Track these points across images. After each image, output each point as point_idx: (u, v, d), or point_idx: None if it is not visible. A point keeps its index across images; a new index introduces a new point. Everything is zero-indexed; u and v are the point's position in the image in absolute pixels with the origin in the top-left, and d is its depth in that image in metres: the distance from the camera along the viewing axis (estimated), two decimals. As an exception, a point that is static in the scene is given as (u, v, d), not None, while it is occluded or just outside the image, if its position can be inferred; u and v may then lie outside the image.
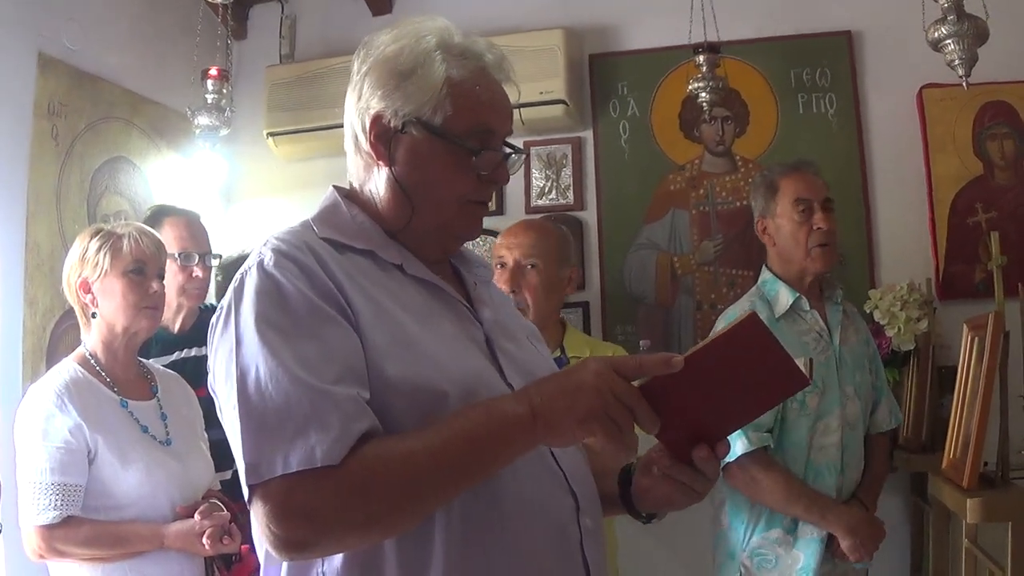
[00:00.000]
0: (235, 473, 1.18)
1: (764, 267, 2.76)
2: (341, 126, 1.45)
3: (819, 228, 2.61)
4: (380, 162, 1.38)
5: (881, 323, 3.25)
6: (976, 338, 2.58)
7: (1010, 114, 3.50)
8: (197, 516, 2.21)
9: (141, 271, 2.32)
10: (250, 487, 1.14)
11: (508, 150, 1.42)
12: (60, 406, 2.16)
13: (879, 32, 3.63)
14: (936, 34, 2.75)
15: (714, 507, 2.69)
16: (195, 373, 2.55)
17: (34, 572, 2.40)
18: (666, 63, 3.78)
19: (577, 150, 3.88)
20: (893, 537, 2.77)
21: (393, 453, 1.15)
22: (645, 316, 3.74)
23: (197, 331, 2.91)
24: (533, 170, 3.89)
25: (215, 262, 3.04)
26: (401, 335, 1.26)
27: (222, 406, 1.23)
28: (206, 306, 3.04)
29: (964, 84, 2.79)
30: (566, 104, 3.64)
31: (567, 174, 3.87)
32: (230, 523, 2.26)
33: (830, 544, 2.52)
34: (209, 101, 3.48)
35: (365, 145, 1.38)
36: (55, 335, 3.01)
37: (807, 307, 2.64)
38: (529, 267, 2.77)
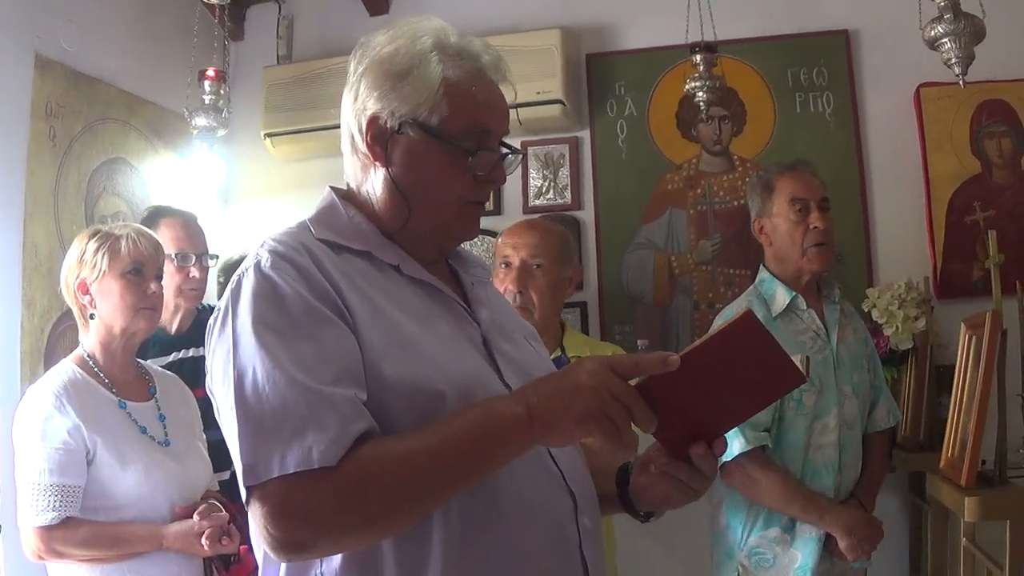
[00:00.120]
0: (233, 473, 1.18)
1: (761, 267, 2.76)
2: (338, 127, 1.45)
3: (815, 227, 2.61)
4: (377, 163, 1.38)
5: (879, 322, 3.25)
6: (974, 337, 2.58)
7: (1007, 112, 3.50)
8: (196, 517, 2.22)
9: (139, 272, 2.32)
10: (247, 488, 1.14)
11: (505, 150, 1.42)
12: (59, 407, 2.16)
13: (876, 31, 3.63)
14: (933, 33, 2.75)
15: (712, 506, 2.69)
16: (193, 374, 2.56)
17: (33, 573, 2.40)
18: (663, 63, 3.78)
19: (574, 150, 3.88)
20: (891, 536, 2.77)
21: (390, 454, 1.15)
22: (643, 316, 3.74)
23: (194, 332, 2.91)
24: (530, 170, 3.89)
25: (212, 262, 3.04)
26: (398, 336, 1.26)
27: (219, 407, 1.24)
28: (204, 307, 3.04)
29: (961, 83, 2.79)
30: (563, 104, 3.64)
31: (564, 174, 3.87)
32: (229, 524, 2.26)
33: (828, 543, 2.51)
34: (206, 102, 3.48)
35: (362, 146, 1.39)
36: (53, 336, 3.01)
37: (804, 306, 2.64)
38: (535, 267, 2.76)
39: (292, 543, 1.13)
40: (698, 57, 3.40)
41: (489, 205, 3.10)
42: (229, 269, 3.14)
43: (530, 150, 3.86)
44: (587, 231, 3.82)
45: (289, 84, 3.90)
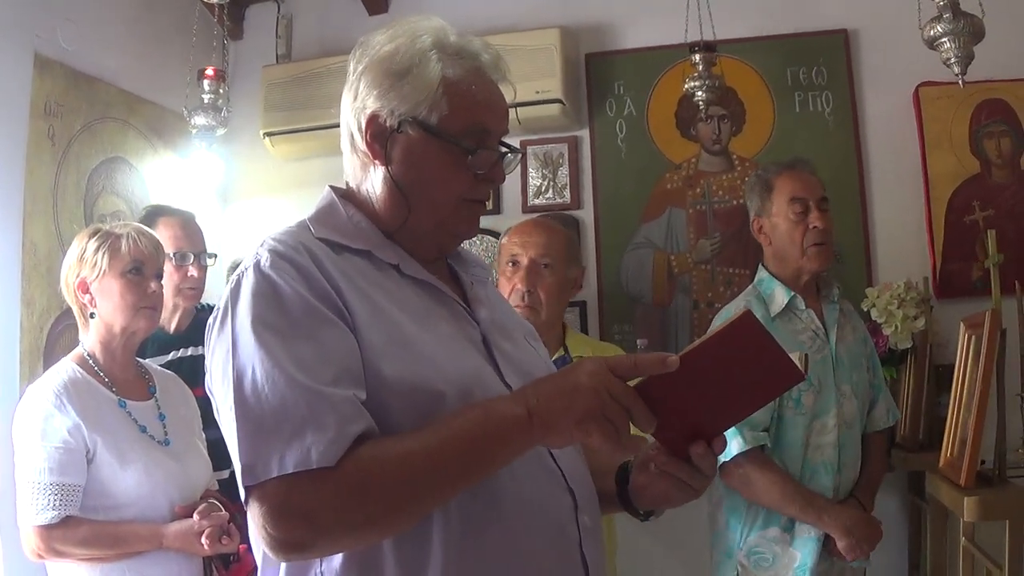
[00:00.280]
0: (233, 472, 1.18)
1: (760, 266, 2.76)
2: (338, 126, 1.45)
3: (815, 227, 2.61)
4: (376, 162, 1.38)
5: (878, 321, 3.25)
6: (973, 336, 2.58)
7: (1007, 112, 3.50)
8: (196, 516, 2.22)
9: (139, 271, 2.32)
10: (246, 488, 1.14)
11: (504, 149, 1.42)
12: (59, 406, 2.16)
13: (875, 30, 3.63)
14: (932, 32, 2.75)
15: (711, 506, 2.69)
16: (191, 373, 2.56)
17: (33, 572, 2.40)
18: (662, 62, 3.78)
19: (574, 149, 3.87)
20: (890, 535, 2.77)
21: (390, 454, 1.15)
22: (642, 315, 3.74)
23: (193, 331, 2.92)
24: (530, 169, 3.89)
25: (211, 261, 3.04)
26: (398, 335, 1.26)
27: (219, 407, 1.24)
28: (202, 306, 3.05)
29: (960, 82, 2.78)
30: (562, 103, 3.63)
31: (564, 173, 3.87)
32: (228, 523, 2.26)
33: (827, 543, 2.51)
34: (205, 101, 3.47)
35: (361, 145, 1.39)
36: (52, 335, 3.01)
37: (803, 306, 2.64)
38: (543, 266, 2.76)
39: (291, 543, 1.13)
40: (697, 56, 3.40)
41: (488, 204, 3.10)
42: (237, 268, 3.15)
43: (529, 149, 3.86)
44: (586, 230, 3.82)
45: (288, 83, 3.90)
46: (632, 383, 1.18)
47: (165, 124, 3.74)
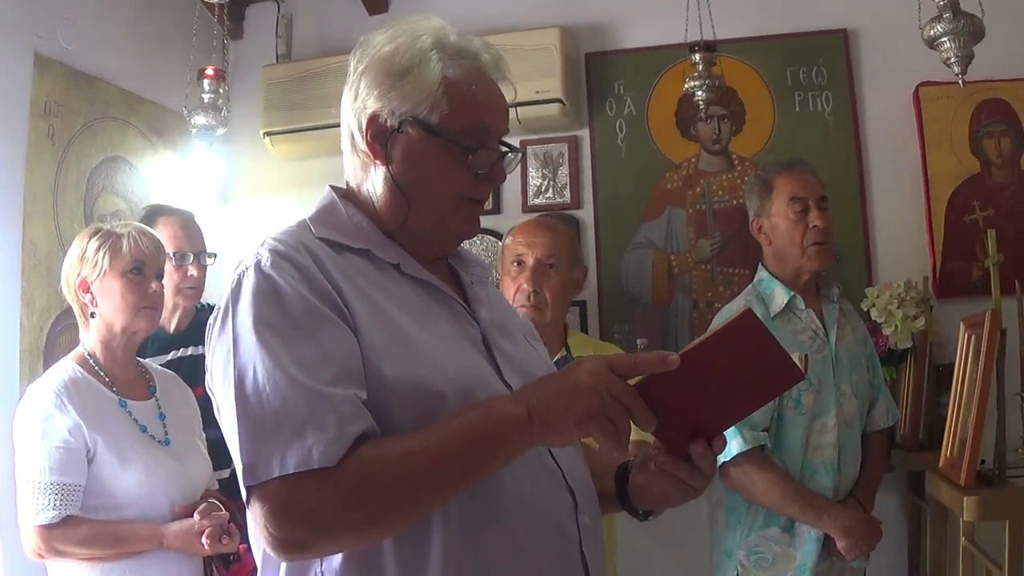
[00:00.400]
0: (233, 472, 1.18)
1: (759, 266, 2.75)
2: (338, 125, 1.45)
3: (815, 226, 2.61)
4: (377, 161, 1.38)
5: (878, 321, 3.25)
6: (973, 336, 2.58)
7: (1007, 112, 3.50)
8: (196, 516, 2.22)
9: (140, 271, 2.32)
10: (247, 488, 1.14)
11: (504, 149, 1.42)
12: (59, 406, 2.16)
13: (875, 30, 3.63)
14: (932, 32, 2.75)
15: (711, 506, 2.69)
16: (191, 372, 2.56)
17: (33, 572, 2.40)
18: (662, 62, 3.78)
19: (573, 149, 3.87)
20: (890, 535, 2.77)
21: (390, 454, 1.16)
22: (642, 315, 3.74)
23: (193, 330, 2.92)
24: (530, 169, 3.88)
25: (210, 261, 3.04)
26: (398, 335, 1.26)
27: (220, 406, 1.24)
28: (202, 306, 3.05)
29: (960, 82, 2.78)
30: (562, 103, 3.63)
31: (564, 173, 3.87)
32: (229, 523, 2.26)
33: (827, 543, 2.51)
34: (205, 101, 3.47)
35: (362, 144, 1.39)
36: (52, 335, 3.01)
37: (802, 306, 2.64)
38: (549, 267, 2.76)
39: (292, 543, 1.13)
40: (697, 56, 3.40)
41: (488, 204, 3.10)
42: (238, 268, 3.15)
43: (529, 149, 3.85)
44: (586, 230, 3.82)
45: (288, 83, 3.90)
46: (632, 382, 1.18)
47: (165, 124, 3.74)
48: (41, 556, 2.16)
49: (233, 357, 1.19)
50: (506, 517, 1.24)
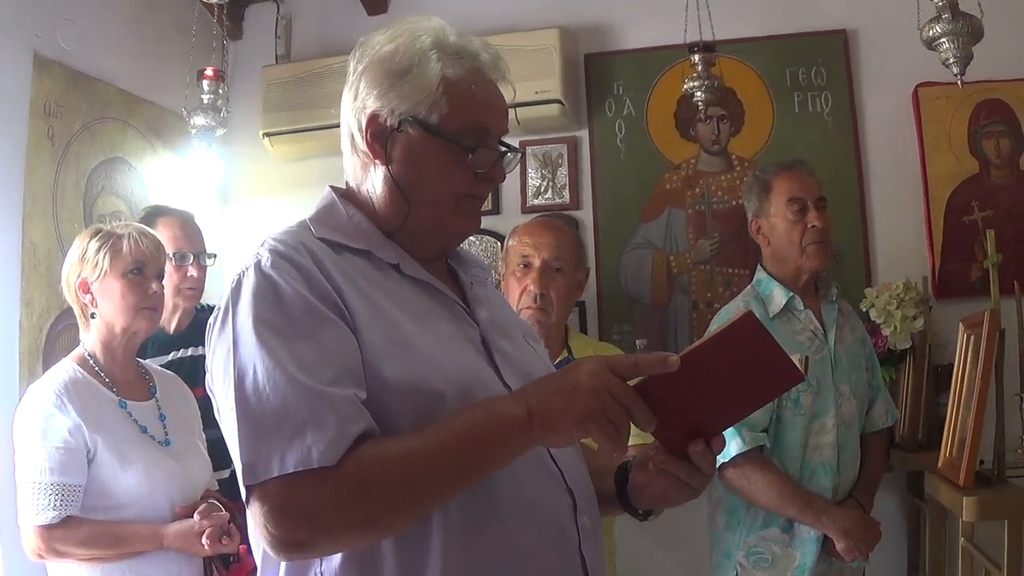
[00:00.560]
0: (233, 472, 1.18)
1: (758, 267, 2.76)
2: (337, 126, 1.45)
3: (813, 226, 2.62)
4: (376, 161, 1.38)
5: (877, 321, 3.25)
6: (972, 336, 2.58)
7: (1006, 112, 3.50)
8: (196, 516, 2.22)
9: (141, 272, 2.32)
10: (247, 488, 1.14)
11: (504, 149, 1.42)
12: (59, 406, 2.16)
13: (874, 31, 3.63)
14: (931, 32, 2.75)
15: (711, 506, 2.69)
16: (191, 373, 2.57)
17: (33, 572, 2.40)
18: (662, 62, 3.78)
19: (573, 149, 3.87)
20: (889, 535, 2.77)
21: (390, 454, 1.16)
22: (641, 315, 3.74)
23: (193, 331, 2.92)
24: (529, 169, 3.88)
25: (210, 261, 3.04)
26: (398, 335, 1.26)
27: (220, 406, 1.24)
28: (202, 306, 3.05)
29: (959, 83, 2.79)
30: (562, 104, 3.63)
31: (563, 173, 3.87)
32: (228, 523, 2.26)
33: (826, 543, 2.52)
34: (205, 101, 3.47)
35: (361, 144, 1.39)
36: (51, 335, 3.01)
37: (801, 306, 2.64)
38: (555, 269, 2.74)
39: (292, 542, 1.13)
40: (696, 57, 3.40)
41: (488, 205, 3.10)
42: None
43: (528, 149, 3.85)
44: (586, 231, 3.81)
45: (288, 83, 3.90)
46: (632, 382, 1.18)
47: (164, 124, 3.74)
48: (41, 556, 2.16)
49: (233, 357, 1.19)
50: (506, 517, 1.24)
